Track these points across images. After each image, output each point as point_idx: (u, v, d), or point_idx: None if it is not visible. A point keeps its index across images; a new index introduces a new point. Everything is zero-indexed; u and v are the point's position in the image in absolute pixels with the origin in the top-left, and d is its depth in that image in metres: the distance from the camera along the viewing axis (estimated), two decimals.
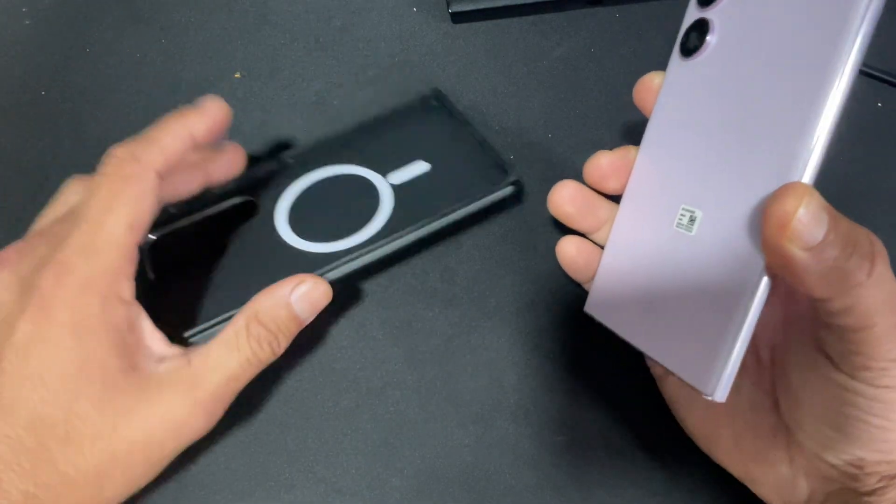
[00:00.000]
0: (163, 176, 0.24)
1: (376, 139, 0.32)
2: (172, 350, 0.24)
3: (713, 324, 0.21)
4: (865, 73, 0.34)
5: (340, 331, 0.31)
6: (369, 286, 0.31)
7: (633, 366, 0.29)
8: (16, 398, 0.21)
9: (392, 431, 0.29)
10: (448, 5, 0.36)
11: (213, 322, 0.26)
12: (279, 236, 0.28)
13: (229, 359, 0.24)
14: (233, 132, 0.35)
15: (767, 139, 0.20)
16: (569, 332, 0.30)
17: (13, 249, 0.24)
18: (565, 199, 0.27)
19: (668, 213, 0.23)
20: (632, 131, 0.34)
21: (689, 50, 0.24)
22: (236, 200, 0.30)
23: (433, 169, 0.30)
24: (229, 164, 0.28)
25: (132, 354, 0.23)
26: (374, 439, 0.29)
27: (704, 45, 0.23)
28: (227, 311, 0.26)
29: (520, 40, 0.36)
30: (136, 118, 0.36)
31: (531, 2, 0.36)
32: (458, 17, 0.37)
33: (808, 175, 0.20)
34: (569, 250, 0.28)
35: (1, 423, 0.21)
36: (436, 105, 0.33)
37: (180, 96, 0.36)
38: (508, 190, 0.29)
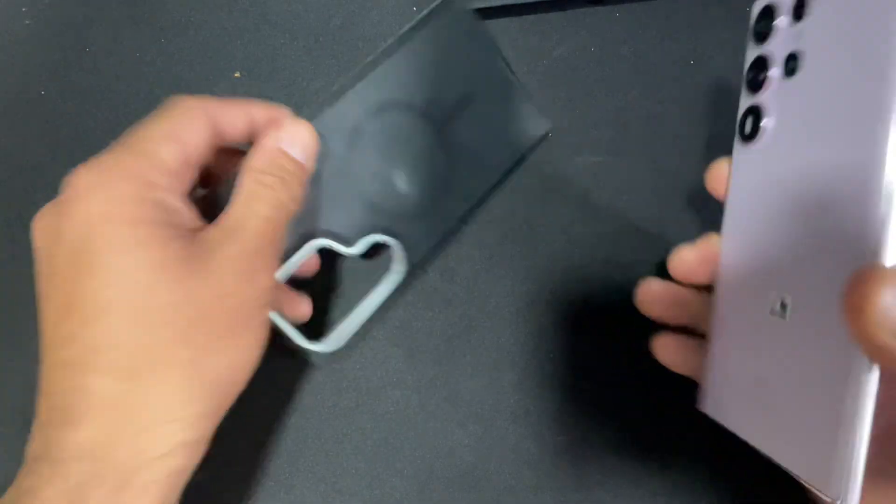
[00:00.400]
0: (216, 140, 0.24)
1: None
2: (201, 222, 0.23)
3: (827, 419, 0.19)
4: None
5: None
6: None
7: (634, 366, 0.29)
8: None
9: (392, 431, 0.29)
10: None
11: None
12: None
13: (257, 207, 0.23)
14: None
15: (840, 218, 0.19)
16: (569, 331, 0.30)
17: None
18: (654, 300, 0.27)
19: (762, 300, 0.22)
20: (632, 132, 0.34)
21: (747, 136, 0.23)
22: None
23: (475, 110, 0.29)
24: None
25: (172, 230, 0.22)
26: (374, 439, 0.29)
27: (761, 131, 0.23)
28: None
29: (520, 40, 0.36)
30: (136, 118, 0.36)
31: (531, 1, 0.36)
32: None
33: (888, 254, 0.18)
34: (666, 350, 0.27)
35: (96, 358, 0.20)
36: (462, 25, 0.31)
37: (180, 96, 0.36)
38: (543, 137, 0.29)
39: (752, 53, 0.24)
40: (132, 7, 0.38)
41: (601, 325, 0.29)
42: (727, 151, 0.33)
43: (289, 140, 0.25)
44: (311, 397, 0.29)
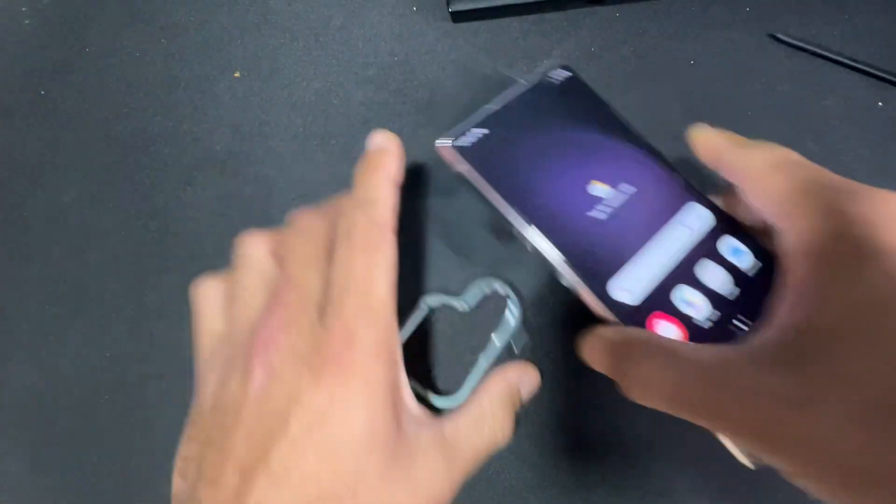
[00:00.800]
0: (395, 228, 0.24)
1: None
2: (422, 412, 0.24)
3: None
4: (865, 73, 0.34)
5: None
6: None
7: None
8: (302, 469, 0.20)
9: None
10: (448, 5, 0.36)
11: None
12: None
13: (479, 437, 0.24)
14: (232, 131, 0.35)
15: None
16: (569, 331, 0.30)
17: (274, 328, 0.22)
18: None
19: None
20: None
21: None
22: None
23: None
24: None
25: (401, 417, 0.22)
26: None
27: None
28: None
29: (520, 40, 0.36)
30: (136, 118, 0.36)
31: (531, 1, 0.36)
32: (458, 17, 0.37)
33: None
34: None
35: (286, 493, 0.19)
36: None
37: (180, 96, 0.36)
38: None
39: None
40: (132, 7, 0.38)
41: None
42: None
43: (529, 386, 0.27)
44: None
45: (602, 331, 0.22)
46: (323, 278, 0.23)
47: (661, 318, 0.22)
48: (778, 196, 0.21)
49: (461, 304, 0.28)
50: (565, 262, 0.23)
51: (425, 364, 0.29)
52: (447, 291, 0.29)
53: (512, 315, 0.28)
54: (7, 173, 0.35)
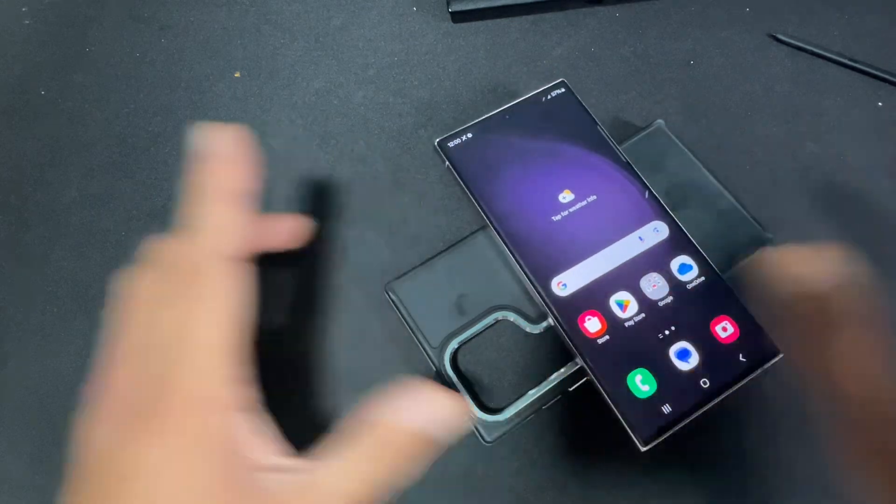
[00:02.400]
0: (241, 256, 0.22)
1: None
2: (290, 460, 0.21)
3: None
4: (865, 73, 0.34)
5: (341, 331, 0.31)
6: (369, 288, 0.31)
7: None
8: None
9: None
10: (448, 5, 0.36)
11: None
12: None
13: (351, 481, 0.20)
14: None
15: None
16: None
17: (99, 381, 0.21)
18: None
19: None
20: (631, 132, 0.34)
21: None
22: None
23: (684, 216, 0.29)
24: (289, 234, 0.26)
25: (240, 467, 0.20)
26: None
27: None
28: None
29: (520, 40, 0.36)
30: (136, 118, 0.36)
31: (531, 1, 0.36)
32: (458, 17, 0.37)
33: None
34: None
35: None
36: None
37: (180, 96, 0.36)
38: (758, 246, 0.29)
39: None
40: (132, 7, 0.38)
41: None
42: (727, 151, 0.33)
43: (440, 423, 0.21)
44: (311, 398, 0.29)
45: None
46: (155, 322, 0.21)
47: (590, 314, 0.26)
48: None
49: (532, 327, 0.28)
50: (515, 257, 0.27)
51: (474, 372, 0.29)
52: (520, 310, 0.29)
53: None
54: (7, 173, 0.35)
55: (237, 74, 0.36)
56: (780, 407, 0.28)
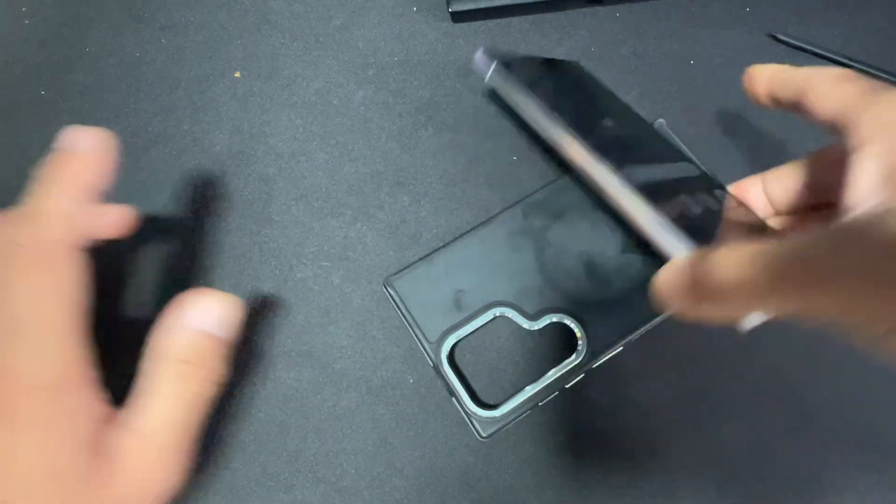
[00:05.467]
0: (78, 244, 0.22)
1: None
2: (115, 417, 0.22)
3: None
4: (865, 73, 0.34)
5: (341, 331, 0.31)
6: (369, 287, 0.31)
7: (634, 365, 0.29)
8: None
9: (392, 431, 0.29)
10: (448, 5, 0.36)
11: None
12: None
13: (168, 411, 0.22)
14: (232, 131, 0.35)
15: None
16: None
17: None
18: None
19: None
20: None
21: None
22: None
23: None
24: (115, 225, 0.26)
25: (93, 439, 0.21)
26: (374, 439, 0.29)
27: None
28: None
29: (520, 40, 0.36)
30: (136, 118, 0.36)
31: (531, 1, 0.36)
32: (458, 17, 0.37)
33: None
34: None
35: None
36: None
37: (180, 96, 0.36)
38: None
39: None
40: (132, 7, 0.38)
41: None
42: (727, 151, 0.33)
43: (204, 316, 0.22)
44: (312, 397, 0.29)
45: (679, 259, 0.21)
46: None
47: None
48: (846, 97, 0.20)
49: (529, 323, 0.28)
50: (610, 169, 0.23)
51: (470, 367, 0.29)
52: (518, 307, 0.29)
53: (577, 355, 0.28)
54: (7, 173, 0.35)
55: (237, 74, 0.36)
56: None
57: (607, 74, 0.35)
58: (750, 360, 0.28)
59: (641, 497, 0.28)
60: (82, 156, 0.24)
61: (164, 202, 0.34)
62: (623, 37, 0.36)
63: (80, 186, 0.23)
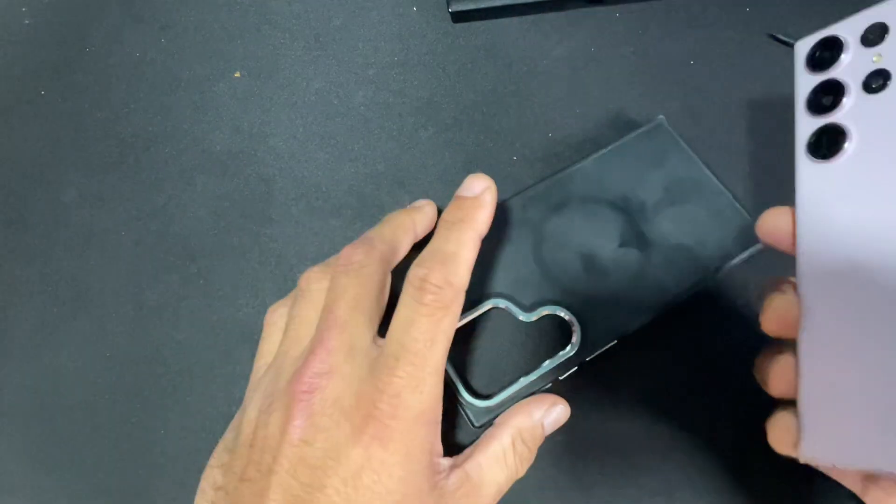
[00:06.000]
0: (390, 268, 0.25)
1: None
2: (448, 460, 0.24)
3: None
4: None
5: None
6: None
7: (634, 365, 0.29)
8: None
9: None
10: (448, 5, 0.36)
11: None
12: None
13: (499, 474, 0.24)
14: (232, 131, 0.35)
15: None
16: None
17: (316, 372, 0.22)
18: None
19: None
20: (631, 131, 0.34)
21: (822, 158, 0.24)
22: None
23: (677, 213, 0.30)
24: (429, 227, 0.29)
25: (434, 474, 0.23)
26: None
27: (842, 153, 0.23)
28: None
29: (520, 40, 0.36)
30: (136, 118, 0.36)
31: (531, 1, 0.36)
32: (458, 17, 0.37)
33: None
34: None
35: None
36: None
37: (180, 96, 0.36)
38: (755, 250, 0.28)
39: (810, 80, 0.25)
40: (132, 7, 0.38)
41: None
42: (727, 151, 0.33)
43: (553, 420, 0.26)
44: None
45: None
46: (372, 326, 0.24)
47: None
48: None
49: (525, 315, 0.28)
50: None
51: (466, 357, 0.29)
52: (513, 298, 0.29)
53: (572, 347, 0.28)
54: (7, 173, 0.35)
55: (237, 74, 0.36)
56: None
57: (607, 74, 0.35)
58: (750, 357, 0.28)
59: (641, 497, 0.28)
60: (486, 205, 0.26)
61: (164, 202, 0.34)
62: (623, 37, 0.36)
63: (480, 235, 0.25)
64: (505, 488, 0.24)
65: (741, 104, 0.34)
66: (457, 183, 0.33)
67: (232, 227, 0.33)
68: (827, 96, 0.24)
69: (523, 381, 0.27)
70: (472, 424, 0.27)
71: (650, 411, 0.29)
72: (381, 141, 0.34)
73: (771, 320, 0.22)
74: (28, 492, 0.30)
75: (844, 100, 0.23)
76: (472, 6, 0.36)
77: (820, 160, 0.24)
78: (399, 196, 0.33)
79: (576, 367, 0.28)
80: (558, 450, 0.28)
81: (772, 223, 0.24)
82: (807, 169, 0.24)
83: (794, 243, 0.23)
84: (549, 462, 0.28)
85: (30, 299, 0.33)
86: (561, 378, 0.28)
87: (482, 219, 0.25)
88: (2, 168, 0.35)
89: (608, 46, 0.36)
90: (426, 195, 0.33)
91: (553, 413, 0.26)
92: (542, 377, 0.27)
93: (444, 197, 0.33)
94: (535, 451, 0.25)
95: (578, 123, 0.34)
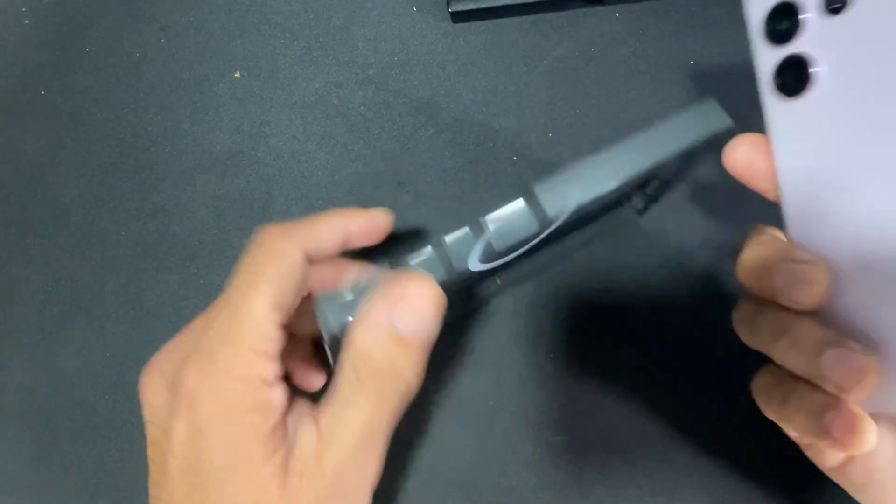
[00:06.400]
0: (311, 260, 0.23)
1: None
2: (307, 407, 0.22)
3: None
4: None
5: None
6: None
7: (633, 365, 0.29)
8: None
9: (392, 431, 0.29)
10: (448, 5, 0.36)
11: None
12: None
13: (353, 410, 0.21)
14: (232, 131, 0.35)
15: None
16: (568, 331, 0.30)
17: (161, 352, 0.23)
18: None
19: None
20: (632, 132, 0.34)
21: (789, 92, 0.21)
22: None
23: None
24: (372, 230, 0.26)
25: (277, 438, 0.21)
26: None
27: (811, 83, 0.20)
28: None
29: (520, 40, 0.36)
30: (136, 118, 0.36)
31: (531, 1, 0.36)
32: (458, 17, 0.37)
33: None
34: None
35: None
36: None
37: (180, 96, 0.36)
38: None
39: (764, 4, 0.22)
40: (132, 7, 0.38)
41: (601, 325, 0.29)
42: None
43: (406, 314, 0.20)
44: (311, 397, 0.29)
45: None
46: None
47: None
48: None
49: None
50: None
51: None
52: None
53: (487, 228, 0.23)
54: (7, 173, 0.35)
55: (237, 74, 0.36)
56: None
57: (607, 74, 0.35)
58: (750, 358, 0.28)
59: (641, 497, 0.28)
60: (364, 212, 0.26)
61: (164, 202, 0.34)
62: (623, 37, 0.36)
63: (345, 231, 0.25)
64: (378, 424, 0.21)
65: (741, 104, 0.34)
66: (457, 183, 0.33)
67: (232, 227, 0.33)
68: (783, 21, 0.21)
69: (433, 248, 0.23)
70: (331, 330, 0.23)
71: (650, 412, 0.29)
72: (381, 141, 0.34)
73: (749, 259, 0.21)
74: (28, 492, 0.30)
75: (803, 21, 0.20)
76: (472, 6, 0.36)
77: (789, 98, 0.21)
78: (399, 196, 0.33)
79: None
80: (558, 450, 0.28)
81: (744, 157, 0.22)
82: (777, 110, 0.22)
83: (770, 183, 0.21)
84: (549, 462, 0.28)
85: (30, 299, 0.33)
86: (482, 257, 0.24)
87: (357, 219, 0.25)
88: (2, 168, 0.35)
89: (608, 46, 0.36)
90: (426, 195, 0.33)
91: (403, 307, 0.21)
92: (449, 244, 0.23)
93: (444, 197, 0.33)
94: (398, 362, 0.21)
95: (578, 123, 0.34)
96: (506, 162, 0.33)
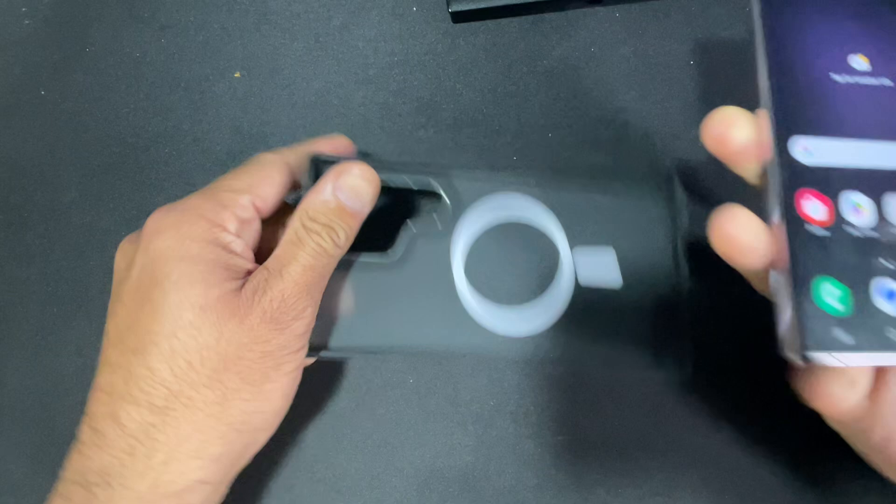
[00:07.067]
0: (293, 176, 0.27)
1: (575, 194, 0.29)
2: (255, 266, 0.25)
3: None
4: None
5: None
6: None
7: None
8: (130, 333, 0.23)
9: (392, 431, 0.29)
10: (448, 5, 0.36)
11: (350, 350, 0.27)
12: (455, 284, 0.27)
13: (299, 252, 0.24)
14: (232, 131, 0.35)
15: None
16: (569, 333, 0.30)
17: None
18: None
19: None
20: (632, 132, 0.34)
21: None
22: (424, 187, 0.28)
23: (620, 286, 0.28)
24: (338, 147, 0.30)
25: (231, 272, 0.23)
26: (374, 439, 0.29)
27: None
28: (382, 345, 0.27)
29: (520, 40, 0.36)
30: (136, 118, 0.36)
31: (531, 2, 0.36)
32: (458, 17, 0.37)
33: None
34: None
35: (116, 353, 0.23)
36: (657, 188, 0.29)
37: (180, 96, 0.36)
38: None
39: None
40: (132, 7, 0.38)
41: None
42: None
43: (343, 185, 0.25)
44: (312, 398, 0.29)
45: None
46: None
47: (813, 195, 0.21)
48: None
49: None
50: (769, 94, 0.23)
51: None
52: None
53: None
54: (7, 173, 0.35)
55: (237, 74, 0.36)
56: None
57: (607, 74, 0.35)
58: (751, 358, 0.28)
59: (641, 497, 0.28)
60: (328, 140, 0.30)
61: (164, 202, 0.34)
62: (623, 37, 0.36)
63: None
64: (316, 264, 0.24)
65: (741, 105, 0.34)
66: None
67: None
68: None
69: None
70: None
71: (650, 411, 0.29)
72: (381, 141, 0.34)
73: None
74: (28, 492, 0.30)
75: None
76: (472, 6, 0.36)
77: None
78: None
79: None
80: (558, 450, 0.28)
81: (723, 130, 0.25)
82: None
83: (752, 161, 0.22)
84: (549, 462, 0.28)
85: (30, 299, 0.33)
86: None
87: (324, 146, 0.29)
88: (2, 168, 0.35)
89: (608, 46, 0.36)
90: None
91: (343, 180, 0.25)
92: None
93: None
94: (335, 224, 0.25)
95: (578, 123, 0.34)
96: (506, 162, 0.33)
